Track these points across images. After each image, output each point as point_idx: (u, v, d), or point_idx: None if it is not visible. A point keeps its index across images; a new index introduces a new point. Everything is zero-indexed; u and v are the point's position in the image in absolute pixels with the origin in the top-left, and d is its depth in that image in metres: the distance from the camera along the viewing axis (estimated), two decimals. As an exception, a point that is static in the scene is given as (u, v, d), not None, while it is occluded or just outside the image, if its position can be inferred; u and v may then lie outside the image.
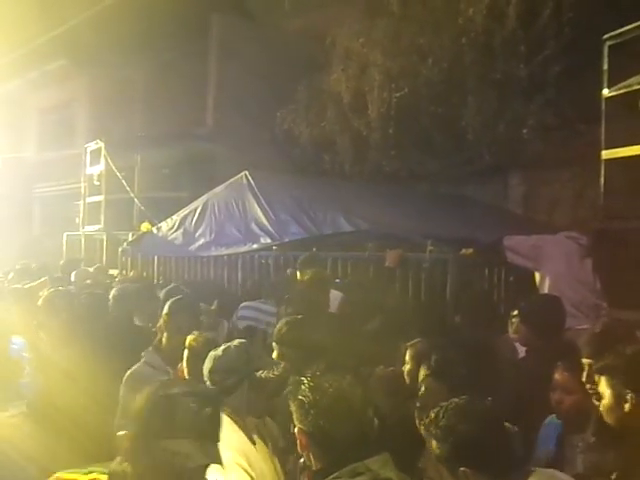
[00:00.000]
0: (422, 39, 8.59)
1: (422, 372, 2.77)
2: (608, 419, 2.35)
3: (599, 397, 2.43)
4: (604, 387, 2.35)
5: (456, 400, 2.14)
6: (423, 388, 2.71)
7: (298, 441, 2.01)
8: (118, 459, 1.87)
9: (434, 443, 2.08)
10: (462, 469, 2.00)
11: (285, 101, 10.34)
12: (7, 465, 2.96)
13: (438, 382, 2.65)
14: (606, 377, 2.35)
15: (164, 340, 3.90)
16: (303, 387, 2.01)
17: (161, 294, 5.16)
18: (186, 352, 3.38)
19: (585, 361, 2.82)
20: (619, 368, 2.32)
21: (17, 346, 3.35)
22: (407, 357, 3.31)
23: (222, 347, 2.99)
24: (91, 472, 1.89)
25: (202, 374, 2.94)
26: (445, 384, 2.59)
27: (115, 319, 4.72)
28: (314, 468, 1.98)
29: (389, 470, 1.93)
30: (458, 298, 5.31)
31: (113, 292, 5.23)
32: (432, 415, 2.11)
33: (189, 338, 3.39)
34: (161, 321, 4.05)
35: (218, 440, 1.86)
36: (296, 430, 2.01)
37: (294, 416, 2.03)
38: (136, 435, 1.88)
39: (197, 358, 3.20)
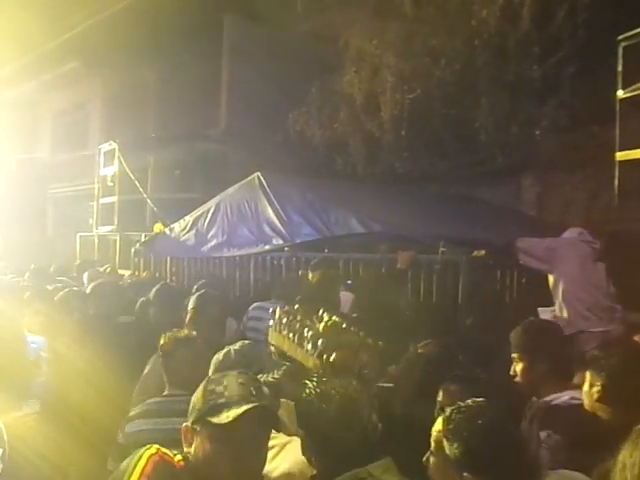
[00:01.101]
0: (435, 41, 8.58)
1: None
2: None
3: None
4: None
5: (470, 403, 2.12)
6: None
7: (300, 445, 2.01)
8: None
9: (445, 442, 2.06)
10: (465, 474, 1.98)
11: (297, 103, 10.35)
12: (22, 465, 2.98)
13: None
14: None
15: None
16: (308, 392, 2.01)
17: (151, 293, 5.17)
18: (161, 357, 3.30)
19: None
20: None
21: (36, 345, 3.36)
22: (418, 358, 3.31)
23: (224, 351, 3.02)
24: (176, 454, 1.96)
25: (181, 379, 3.03)
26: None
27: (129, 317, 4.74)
28: (316, 472, 1.98)
29: (392, 475, 1.92)
30: (470, 300, 5.29)
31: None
32: (447, 413, 2.09)
33: (161, 341, 3.32)
34: (187, 316, 4.01)
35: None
36: (299, 434, 2.01)
37: (297, 420, 2.02)
38: None
39: (170, 359, 3.19)
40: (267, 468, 2.49)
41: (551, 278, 5.33)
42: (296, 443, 2.50)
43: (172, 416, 2.96)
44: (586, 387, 2.67)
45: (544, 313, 4.89)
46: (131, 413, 3.08)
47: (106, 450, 3.06)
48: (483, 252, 5.71)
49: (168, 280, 8.14)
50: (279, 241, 6.69)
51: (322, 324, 2.63)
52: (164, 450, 1.99)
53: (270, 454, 2.49)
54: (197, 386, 3.00)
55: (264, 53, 11.60)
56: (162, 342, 3.25)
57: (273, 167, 8.53)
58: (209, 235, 7.68)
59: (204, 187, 10.36)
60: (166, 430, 2.89)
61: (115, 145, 11.30)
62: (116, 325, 4.56)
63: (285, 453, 2.46)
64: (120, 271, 8.86)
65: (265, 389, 1.95)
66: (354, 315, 4.89)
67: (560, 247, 5.30)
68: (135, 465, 1.91)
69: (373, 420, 1.99)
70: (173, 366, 3.17)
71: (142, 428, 2.97)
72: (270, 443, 2.52)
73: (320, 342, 2.49)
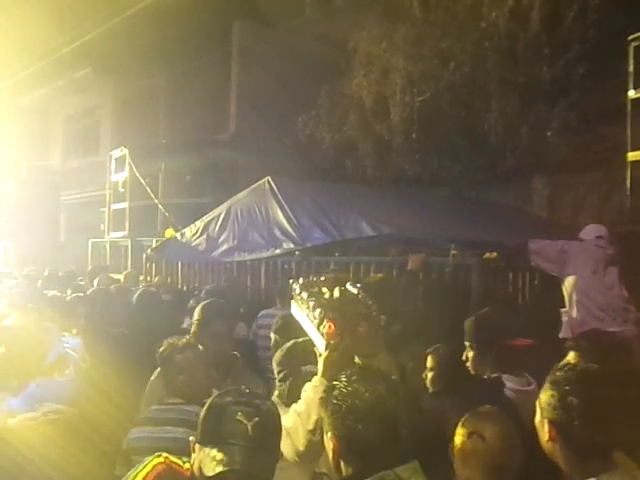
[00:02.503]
0: (444, 43, 8.57)
1: None
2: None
3: None
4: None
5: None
6: None
7: (329, 447, 1.99)
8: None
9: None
10: None
11: (307, 106, 10.36)
12: (31, 473, 2.99)
13: None
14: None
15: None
16: (337, 392, 1.99)
17: (133, 298, 5.16)
18: (159, 365, 3.27)
19: None
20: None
21: (69, 345, 3.36)
22: (429, 364, 3.30)
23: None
24: (185, 462, 1.99)
25: (176, 387, 3.06)
26: None
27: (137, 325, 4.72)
28: (344, 474, 1.96)
29: (419, 478, 1.91)
30: (482, 302, 5.26)
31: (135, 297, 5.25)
32: None
33: (159, 350, 3.26)
34: (194, 327, 3.97)
35: (267, 447, 1.91)
36: (328, 436, 1.99)
37: (326, 421, 2.00)
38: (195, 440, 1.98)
39: (167, 366, 3.18)
40: None
41: (563, 280, 5.31)
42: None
43: (165, 425, 2.98)
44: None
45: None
46: (135, 419, 3.11)
47: (115, 455, 3.08)
48: (495, 254, 5.68)
49: (179, 285, 8.17)
50: (290, 245, 6.70)
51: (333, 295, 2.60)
52: (173, 459, 2.02)
53: None
54: (193, 395, 3.03)
55: (273, 58, 11.63)
56: (160, 350, 3.23)
57: (283, 171, 8.54)
58: (220, 240, 7.70)
59: (215, 192, 10.39)
60: (157, 438, 2.92)
61: (126, 151, 11.34)
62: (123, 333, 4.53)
63: None
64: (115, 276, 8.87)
65: (266, 420, 1.94)
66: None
67: (573, 250, 5.27)
68: (139, 473, 1.96)
69: (403, 421, 1.98)
70: (170, 374, 3.16)
71: (138, 436, 2.99)
72: None
73: (318, 312, 2.46)
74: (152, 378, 3.62)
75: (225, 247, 7.57)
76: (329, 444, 1.96)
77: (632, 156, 6.27)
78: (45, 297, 5.39)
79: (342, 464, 1.95)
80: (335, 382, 2.02)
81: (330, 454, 1.97)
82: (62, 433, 3.03)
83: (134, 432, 3.03)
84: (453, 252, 5.55)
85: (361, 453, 1.91)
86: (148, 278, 8.76)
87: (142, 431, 3.02)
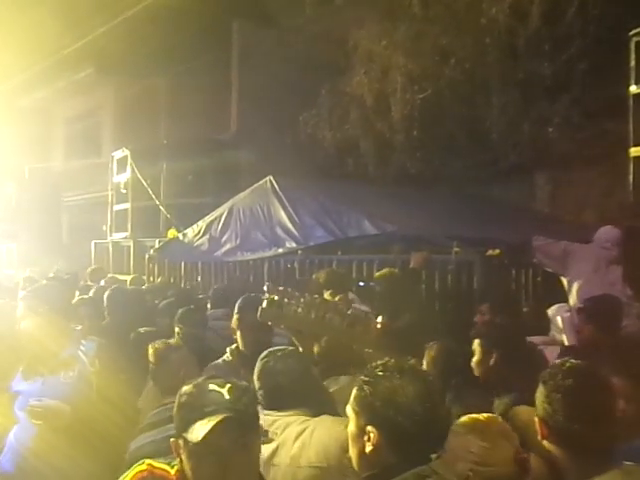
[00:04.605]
0: (444, 40, 8.56)
1: None
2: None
3: None
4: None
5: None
6: None
7: (370, 439, 1.98)
8: None
9: None
10: None
11: (308, 105, 10.35)
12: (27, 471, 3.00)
13: None
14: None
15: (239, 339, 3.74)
16: (378, 385, 2.00)
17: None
18: (151, 365, 3.27)
19: None
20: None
21: (84, 349, 3.36)
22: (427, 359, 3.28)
23: None
24: (174, 466, 1.90)
25: (172, 386, 2.96)
26: None
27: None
28: (384, 465, 1.95)
29: (451, 473, 1.92)
30: (485, 299, 5.25)
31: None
32: None
33: (150, 351, 3.27)
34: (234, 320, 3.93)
35: (248, 408, 1.84)
36: (368, 428, 1.98)
37: (363, 413, 2.00)
38: None
39: (160, 366, 3.19)
40: (293, 455, 2.49)
41: (565, 279, 5.32)
42: (324, 425, 2.49)
43: (166, 424, 2.97)
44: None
45: (559, 310, 4.87)
46: (135, 431, 3.10)
47: (116, 463, 3.07)
48: (497, 251, 5.67)
49: (183, 285, 8.16)
50: (292, 244, 6.70)
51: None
52: (157, 464, 1.95)
53: (299, 441, 2.49)
54: None
55: (273, 56, 11.62)
56: (151, 351, 3.23)
57: (284, 170, 8.53)
58: (222, 239, 7.71)
59: (217, 192, 10.38)
60: (161, 439, 2.90)
61: (127, 152, 11.35)
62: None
63: (314, 437, 2.48)
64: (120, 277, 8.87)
65: (244, 389, 1.90)
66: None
67: (576, 250, 5.30)
68: None
69: (442, 414, 1.99)
70: (164, 374, 3.17)
71: (142, 443, 2.98)
72: (297, 428, 2.53)
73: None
74: (143, 397, 3.63)
75: (228, 247, 7.58)
76: (369, 437, 1.95)
77: (634, 151, 6.25)
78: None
79: (382, 456, 1.94)
80: (372, 375, 2.01)
81: (369, 448, 1.95)
82: (56, 432, 3.04)
83: (136, 441, 3.02)
84: (455, 249, 5.55)
85: (404, 444, 1.92)
86: (151, 279, 8.77)
87: (145, 437, 3.00)
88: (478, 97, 8.25)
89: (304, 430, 2.53)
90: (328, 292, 4.91)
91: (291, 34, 11.87)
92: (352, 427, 2.03)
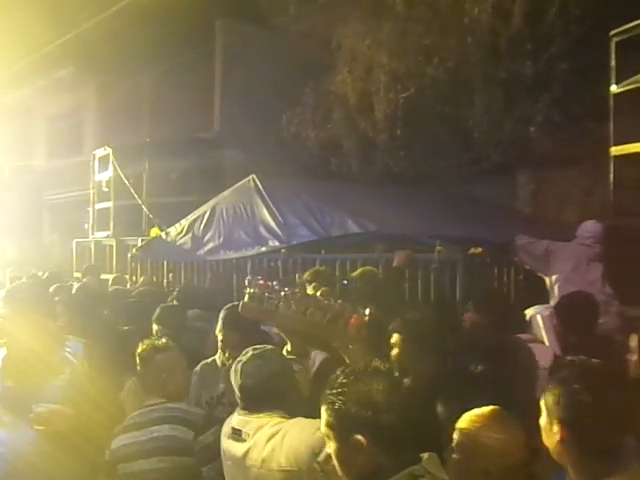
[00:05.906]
0: (428, 39, 8.58)
1: None
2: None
3: None
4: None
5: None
6: None
7: (359, 448, 1.92)
8: None
9: None
10: None
11: (291, 104, 10.33)
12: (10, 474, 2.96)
13: None
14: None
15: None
16: (350, 389, 1.94)
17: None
18: (139, 366, 3.24)
19: None
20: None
21: (70, 350, 3.33)
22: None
23: None
24: None
25: (157, 387, 3.07)
26: None
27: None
28: (376, 466, 1.90)
29: (443, 472, 1.90)
30: (468, 298, 5.28)
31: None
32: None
33: (138, 350, 3.25)
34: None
35: None
36: (355, 438, 1.92)
37: (353, 419, 1.93)
38: None
39: (147, 366, 3.16)
40: (265, 458, 2.49)
41: (547, 278, 5.36)
42: (296, 428, 2.48)
43: (150, 426, 2.98)
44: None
45: (541, 310, 4.90)
46: (116, 430, 3.08)
47: (97, 462, 3.06)
48: (480, 250, 5.70)
49: (165, 284, 8.12)
50: (275, 243, 6.68)
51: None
52: None
53: (270, 444, 2.49)
54: (175, 393, 3.07)
55: (257, 55, 11.60)
56: (139, 350, 3.21)
57: (268, 169, 8.52)
58: (205, 238, 7.67)
59: (200, 190, 10.34)
60: (145, 441, 2.93)
61: (110, 150, 11.27)
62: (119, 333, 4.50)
63: (285, 440, 2.47)
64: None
65: None
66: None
67: (557, 250, 5.35)
68: None
69: (432, 413, 1.98)
70: (151, 373, 3.15)
71: (124, 443, 2.98)
72: (269, 431, 2.52)
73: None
74: (125, 391, 3.61)
75: (211, 246, 7.54)
76: (358, 447, 1.89)
77: (615, 151, 6.31)
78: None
79: (371, 460, 1.89)
80: (364, 380, 1.95)
81: (362, 457, 1.89)
82: (52, 436, 3.01)
83: (118, 441, 3.00)
84: (438, 248, 5.57)
85: (389, 442, 1.87)
86: (133, 278, 8.71)
87: (127, 437, 2.99)
88: (461, 96, 8.28)
89: (276, 433, 2.52)
90: (311, 286, 4.91)
91: (275, 32, 11.87)
92: (335, 446, 1.94)
